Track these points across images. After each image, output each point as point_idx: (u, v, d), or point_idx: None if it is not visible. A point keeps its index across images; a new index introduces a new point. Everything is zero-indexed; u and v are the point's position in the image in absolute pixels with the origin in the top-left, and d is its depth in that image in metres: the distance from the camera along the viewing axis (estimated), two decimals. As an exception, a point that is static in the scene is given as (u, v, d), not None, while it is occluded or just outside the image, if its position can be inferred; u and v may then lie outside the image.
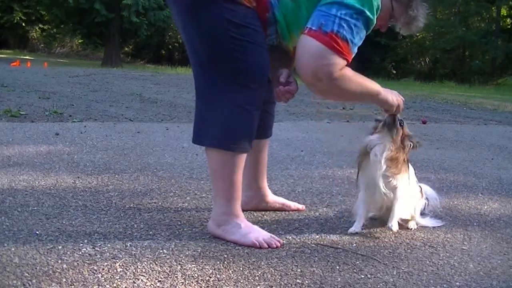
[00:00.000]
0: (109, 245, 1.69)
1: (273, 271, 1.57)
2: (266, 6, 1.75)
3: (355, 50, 1.74)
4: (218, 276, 1.51)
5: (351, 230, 1.96)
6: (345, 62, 1.72)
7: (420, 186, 2.12)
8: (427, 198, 2.16)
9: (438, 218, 2.18)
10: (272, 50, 1.84)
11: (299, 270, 1.59)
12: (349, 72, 1.75)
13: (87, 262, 1.54)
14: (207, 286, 1.44)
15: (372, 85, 1.86)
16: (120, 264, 1.54)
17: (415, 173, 2.09)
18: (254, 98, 1.77)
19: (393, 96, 1.91)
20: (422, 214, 2.13)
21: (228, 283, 1.47)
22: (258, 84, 1.76)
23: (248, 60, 1.73)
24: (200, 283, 1.45)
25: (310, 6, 1.74)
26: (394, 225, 1.93)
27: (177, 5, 1.78)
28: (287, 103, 1.98)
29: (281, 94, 1.87)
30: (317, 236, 1.91)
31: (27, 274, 1.43)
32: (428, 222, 2.12)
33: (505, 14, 25.94)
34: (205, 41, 1.74)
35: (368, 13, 1.71)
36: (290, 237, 1.88)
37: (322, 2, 1.71)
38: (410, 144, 1.96)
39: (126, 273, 1.48)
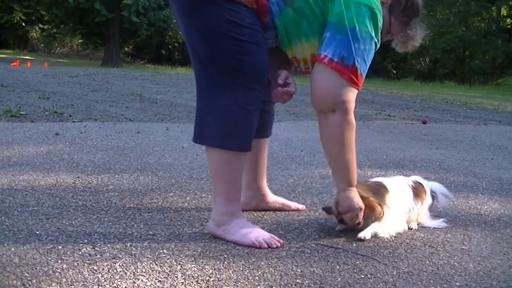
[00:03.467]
0: (109, 245, 1.69)
1: (273, 271, 1.57)
2: (265, 10, 1.76)
3: None
4: (218, 276, 1.51)
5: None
6: (356, 93, 1.78)
7: (424, 185, 2.12)
8: (434, 196, 2.14)
9: (439, 218, 2.18)
10: (272, 52, 1.84)
11: (299, 270, 1.59)
12: (354, 132, 1.79)
13: (87, 262, 1.54)
14: (207, 286, 1.44)
15: (355, 172, 1.83)
16: (120, 264, 1.54)
17: (418, 173, 2.09)
18: (254, 98, 1.77)
19: (360, 204, 1.82)
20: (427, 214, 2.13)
21: (228, 283, 1.47)
22: (258, 84, 1.76)
23: (249, 60, 1.73)
24: (200, 283, 1.45)
25: (313, 19, 1.75)
26: (365, 234, 1.89)
27: (178, 5, 1.78)
28: (285, 103, 1.98)
29: (279, 95, 1.87)
30: (317, 236, 1.91)
31: (27, 274, 1.43)
32: (429, 222, 2.12)
33: (505, 14, 25.96)
34: (206, 41, 1.74)
35: (375, 39, 1.76)
36: (290, 237, 1.88)
37: (334, 25, 1.71)
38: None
39: (126, 273, 1.48)
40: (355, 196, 1.83)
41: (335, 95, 1.74)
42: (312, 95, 1.80)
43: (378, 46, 1.80)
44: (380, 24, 1.76)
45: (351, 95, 1.76)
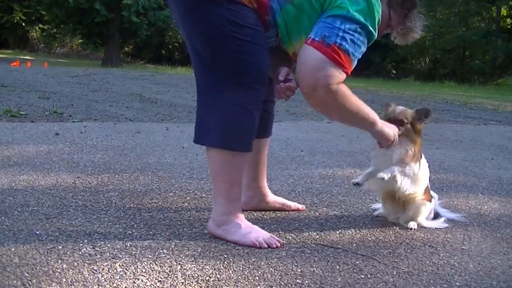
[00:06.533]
0: (109, 245, 1.69)
1: (273, 271, 1.57)
2: (266, 9, 1.76)
3: (355, 63, 1.75)
4: (218, 276, 1.51)
5: (353, 181, 2.10)
6: (344, 76, 1.73)
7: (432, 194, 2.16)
8: (437, 213, 2.20)
9: (439, 218, 2.17)
10: (272, 50, 1.85)
11: (299, 270, 1.59)
12: (346, 90, 1.75)
13: (87, 262, 1.54)
14: (207, 286, 1.44)
15: (370, 112, 1.86)
16: (120, 264, 1.54)
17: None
18: (255, 98, 1.77)
19: (389, 130, 1.92)
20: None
21: (228, 283, 1.47)
22: (259, 84, 1.76)
23: (250, 60, 1.73)
24: (200, 283, 1.46)
25: (313, 15, 1.74)
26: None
27: (178, 6, 1.77)
28: (288, 100, 1.98)
29: (281, 91, 1.87)
30: (317, 236, 1.91)
31: (27, 274, 1.43)
32: (430, 223, 2.12)
33: (505, 14, 25.96)
34: (207, 41, 1.73)
35: (370, 27, 1.73)
36: (290, 237, 1.88)
37: (327, 14, 1.72)
38: (422, 122, 2.03)
39: (126, 273, 1.48)
40: (382, 128, 1.90)
41: (315, 68, 1.69)
42: (296, 74, 1.77)
43: (375, 36, 1.77)
44: (377, 14, 1.74)
45: (333, 71, 1.69)
